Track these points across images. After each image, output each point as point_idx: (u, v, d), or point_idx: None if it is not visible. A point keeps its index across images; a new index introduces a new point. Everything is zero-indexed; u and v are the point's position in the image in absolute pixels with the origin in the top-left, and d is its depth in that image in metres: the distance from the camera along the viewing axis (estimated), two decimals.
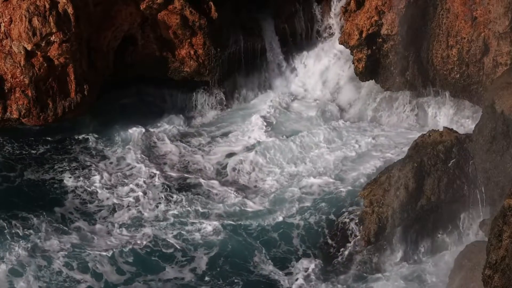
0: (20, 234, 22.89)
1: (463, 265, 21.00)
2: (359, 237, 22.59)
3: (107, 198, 24.71)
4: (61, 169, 25.85)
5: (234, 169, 26.06)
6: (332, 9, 29.66)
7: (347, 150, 26.59)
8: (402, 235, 22.39)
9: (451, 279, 21.01)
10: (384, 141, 26.97)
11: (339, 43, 28.55)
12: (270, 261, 22.57)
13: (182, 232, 23.35)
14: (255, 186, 25.39)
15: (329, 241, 22.98)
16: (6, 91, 26.22)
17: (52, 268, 21.93)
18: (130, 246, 22.72)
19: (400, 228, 22.28)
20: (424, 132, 23.73)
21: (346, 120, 28.35)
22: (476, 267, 20.07)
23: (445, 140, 22.82)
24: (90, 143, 27.10)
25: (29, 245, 22.45)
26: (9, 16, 25.55)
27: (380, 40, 27.16)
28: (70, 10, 25.49)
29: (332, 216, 23.67)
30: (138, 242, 22.92)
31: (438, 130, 23.67)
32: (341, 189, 24.75)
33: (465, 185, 22.33)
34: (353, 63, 28.05)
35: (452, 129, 23.72)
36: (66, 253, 22.36)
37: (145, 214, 24.07)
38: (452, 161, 22.49)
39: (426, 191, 22.23)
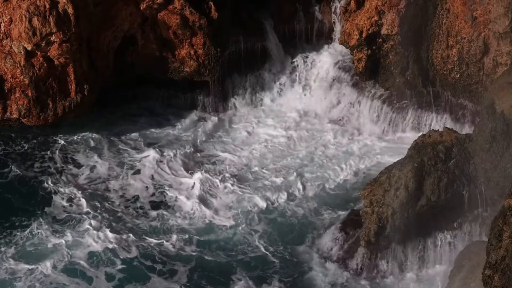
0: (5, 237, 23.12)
1: (463, 265, 20.99)
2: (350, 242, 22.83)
3: (88, 206, 24.49)
4: (42, 173, 25.69)
5: (203, 187, 25.64)
6: (332, 9, 29.62)
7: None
8: (402, 236, 22.41)
9: (451, 279, 21.00)
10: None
11: (339, 43, 28.58)
12: (247, 274, 22.39)
13: (157, 245, 23.21)
14: (225, 205, 25.01)
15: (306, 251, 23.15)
16: (6, 91, 26.22)
17: (40, 272, 21.98)
18: (115, 253, 22.74)
19: (399, 229, 22.30)
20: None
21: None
22: (476, 267, 20.06)
23: (445, 140, 22.81)
24: (80, 148, 27.04)
25: (14, 250, 22.57)
26: (9, 16, 25.55)
27: (380, 40, 27.17)
28: (70, 10, 25.49)
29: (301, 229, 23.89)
30: (122, 250, 22.91)
31: (438, 130, 23.68)
32: (307, 204, 24.84)
33: (465, 185, 22.33)
34: (353, 63, 28.07)
35: (452, 129, 23.73)
36: (55, 257, 22.47)
37: (121, 226, 23.93)
38: (452, 161, 22.48)
39: (426, 191, 22.21)
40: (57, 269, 22.13)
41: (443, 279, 21.69)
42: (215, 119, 28.80)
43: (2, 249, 22.63)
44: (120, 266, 22.42)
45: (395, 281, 22.15)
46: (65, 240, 23.07)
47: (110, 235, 23.39)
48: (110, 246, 23.00)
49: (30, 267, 22.09)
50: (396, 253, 22.47)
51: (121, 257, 22.64)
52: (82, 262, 22.40)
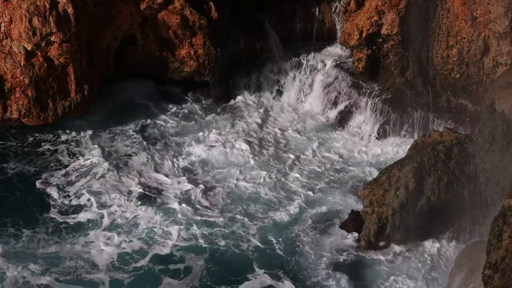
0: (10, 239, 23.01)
1: (463, 264, 21.01)
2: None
3: (95, 207, 24.41)
4: (41, 173, 25.59)
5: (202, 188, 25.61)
6: (332, 9, 29.60)
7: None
8: (402, 236, 22.43)
9: (451, 279, 21.02)
10: None
11: (339, 43, 28.59)
12: (255, 270, 22.43)
13: (161, 242, 23.19)
14: (225, 203, 24.98)
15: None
16: (6, 91, 26.24)
17: (49, 279, 21.87)
18: (122, 254, 22.69)
19: (399, 228, 22.32)
20: None
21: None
22: (476, 267, 20.08)
23: (445, 140, 22.83)
24: (81, 147, 27.03)
25: (22, 252, 22.54)
26: (9, 16, 25.57)
27: (380, 40, 27.18)
28: (70, 10, 25.50)
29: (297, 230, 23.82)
30: (123, 250, 22.87)
31: (438, 130, 23.69)
32: (307, 204, 24.74)
33: (465, 185, 22.34)
34: (353, 63, 28.07)
35: (452, 129, 23.75)
36: (64, 264, 22.37)
37: (124, 226, 23.80)
38: (452, 161, 22.49)
39: (426, 191, 22.23)
40: (58, 272, 22.09)
41: (443, 278, 21.72)
42: (215, 118, 28.77)
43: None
44: (124, 268, 22.42)
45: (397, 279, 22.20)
46: (65, 241, 23.10)
47: (110, 233, 23.43)
48: (111, 246, 23.04)
49: (28, 273, 22.00)
50: (397, 251, 22.55)
51: (125, 257, 22.67)
52: (82, 265, 22.33)
